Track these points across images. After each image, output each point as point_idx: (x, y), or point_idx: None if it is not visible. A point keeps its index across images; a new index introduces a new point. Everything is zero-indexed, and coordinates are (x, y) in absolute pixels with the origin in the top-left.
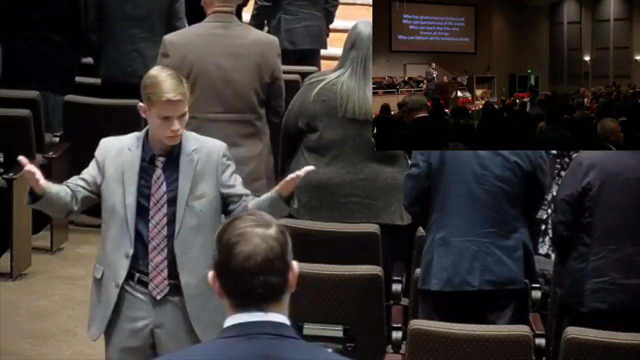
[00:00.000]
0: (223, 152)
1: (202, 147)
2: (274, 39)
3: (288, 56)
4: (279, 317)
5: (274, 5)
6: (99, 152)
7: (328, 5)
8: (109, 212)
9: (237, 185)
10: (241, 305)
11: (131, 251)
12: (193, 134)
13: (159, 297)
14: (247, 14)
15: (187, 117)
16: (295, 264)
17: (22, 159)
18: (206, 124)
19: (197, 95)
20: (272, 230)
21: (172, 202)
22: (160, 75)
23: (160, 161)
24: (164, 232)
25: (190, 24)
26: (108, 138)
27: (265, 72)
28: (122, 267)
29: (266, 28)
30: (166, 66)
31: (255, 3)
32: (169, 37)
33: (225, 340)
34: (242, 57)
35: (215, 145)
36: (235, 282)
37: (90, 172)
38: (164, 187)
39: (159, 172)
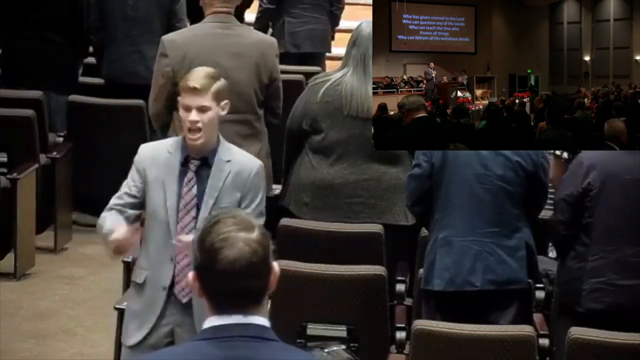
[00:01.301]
0: (256, 171)
1: (236, 161)
2: (273, 40)
3: (292, 58)
4: (259, 319)
5: (279, 8)
6: (138, 159)
7: (333, 8)
8: (151, 215)
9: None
10: (222, 307)
11: (174, 254)
12: (231, 145)
13: (184, 300)
14: (250, 15)
15: (210, 115)
16: (276, 266)
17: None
18: None
19: None
20: (255, 234)
21: (199, 207)
22: (199, 67)
23: (193, 164)
24: (191, 235)
25: (191, 23)
26: (147, 144)
27: (264, 72)
28: (169, 270)
29: (270, 30)
30: (165, 66)
31: (260, 5)
32: (168, 37)
33: (204, 342)
34: (242, 57)
35: (249, 163)
36: (218, 285)
37: (130, 184)
38: (194, 191)
39: (191, 174)
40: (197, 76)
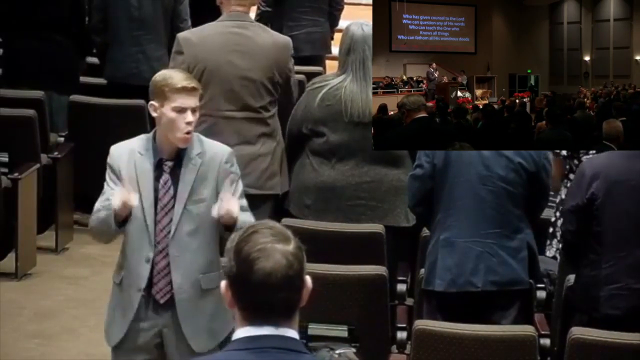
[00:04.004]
0: (226, 158)
1: (206, 151)
2: (288, 39)
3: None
4: (289, 331)
5: (277, 11)
6: (111, 160)
7: (332, 9)
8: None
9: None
10: (254, 318)
11: (151, 255)
12: (199, 136)
13: (162, 301)
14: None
15: (197, 114)
16: (308, 280)
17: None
18: (221, 122)
19: (212, 93)
20: (291, 247)
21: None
22: (170, 71)
23: (167, 166)
24: (170, 236)
25: (194, 24)
26: (117, 144)
27: (279, 71)
28: (144, 271)
29: None
30: (181, 63)
31: (258, 8)
32: (183, 35)
33: (235, 353)
34: (256, 56)
35: (219, 151)
36: (252, 297)
37: (111, 185)
38: (171, 192)
39: (166, 176)
40: (184, 76)
